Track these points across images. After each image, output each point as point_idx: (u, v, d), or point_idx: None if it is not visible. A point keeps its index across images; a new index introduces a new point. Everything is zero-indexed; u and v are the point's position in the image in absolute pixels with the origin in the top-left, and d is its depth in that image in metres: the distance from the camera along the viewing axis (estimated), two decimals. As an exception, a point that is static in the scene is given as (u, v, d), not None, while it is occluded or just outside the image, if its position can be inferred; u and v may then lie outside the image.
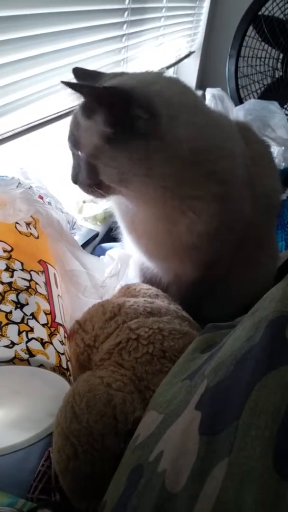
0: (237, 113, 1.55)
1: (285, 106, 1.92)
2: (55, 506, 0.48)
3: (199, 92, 2.36)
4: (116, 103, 0.55)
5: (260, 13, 1.83)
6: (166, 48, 1.85)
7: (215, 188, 0.62)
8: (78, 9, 0.96)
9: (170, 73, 2.29)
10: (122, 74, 0.66)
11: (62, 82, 0.56)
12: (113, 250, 0.82)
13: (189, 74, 2.50)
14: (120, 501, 0.30)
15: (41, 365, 0.49)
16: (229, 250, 0.72)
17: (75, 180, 0.65)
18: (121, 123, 0.56)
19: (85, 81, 0.65)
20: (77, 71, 0.67)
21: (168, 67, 1.94)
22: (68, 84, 0.56)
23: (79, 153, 0.62)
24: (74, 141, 0.62)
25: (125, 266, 0.77)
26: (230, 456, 0.22)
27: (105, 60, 1.20)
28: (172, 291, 0.77)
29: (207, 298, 0.77)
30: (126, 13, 1.25)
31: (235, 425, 0.24)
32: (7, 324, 0.50)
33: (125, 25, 1.27)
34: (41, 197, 0.67)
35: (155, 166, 0.59)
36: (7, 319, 0.50)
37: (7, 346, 0.48)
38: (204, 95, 1.79)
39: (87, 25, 1.02)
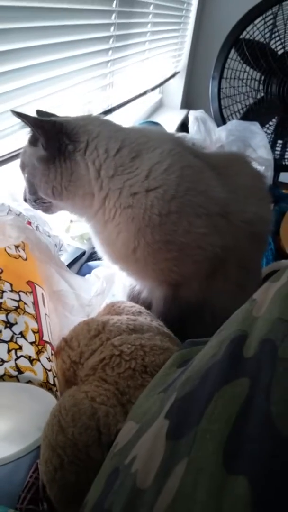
0: (220, 133, 1.61)
1: (266, 125, 1.99)
2: (43, 515, 0.51)
3: (183, 112, 2.44)
4: (50, 131, 0.72)
5: (241, 36, 1.90)
6: (151, 70, 1.91)
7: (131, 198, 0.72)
8: (65, 39, 1.00)
9: (156, 93, 2.36)
10: (67, 116, 0.82)
11: (12, 111, 0.73)
12: (99, 269, 0.86)
13: (174, 94, 2.57)
14: (99, 499, 0.34)
15: (29, 381, 0.52)
16: (193, 271, 0.76)
17: (24, 199, 0.82)
18: (53, 147, 0.73)
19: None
20: (39, 112, 0.84)
21: (154, 88, 2.00)
22: (17, 114, 0.72)
23: (23, 173, 0.79)
24: (22, 165, 0.80)
25: (110, 284, 0.80)
26: (189, 456, 0.26)
27: (92, 84, 1.25)
28: (154, 308, 0.81)
29: (195, 321, 0.81)
30: (111, 40, 1.31)
31: (195, 431, 0.27)
32: (-3, 343, 0.53)
33: (110, 51, 1.32)
34: (29, 223, 0.71)
35: (74, 180, 0.74)
36: (-3, 338, 0.53)
37: (-3, 364, 0.51)
38: (187, 118, 1.84)
39: (74, 54, 1.06)
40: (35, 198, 0.80)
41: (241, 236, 0.77)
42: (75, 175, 0.74)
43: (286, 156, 2.05)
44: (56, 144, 0.73)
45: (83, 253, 1.09)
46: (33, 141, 0.77)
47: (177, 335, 0.70)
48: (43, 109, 0.86)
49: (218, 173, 0.77)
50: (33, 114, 0.81)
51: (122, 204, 0.72)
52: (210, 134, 1.62)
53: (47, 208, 0.82)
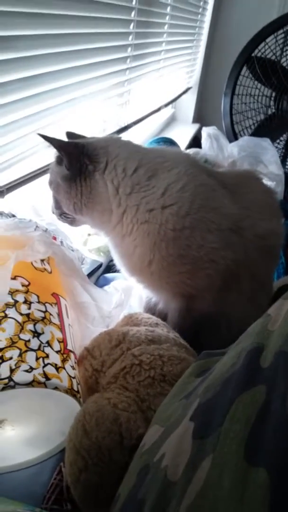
0: (232, 149, 1.65)
1: (277, 141, 2.03)
2: (68, 513, 0.54)
3: (195, 126, 2.49)
4: (73, 152, 0.78)
5: (253, 54, 1.95)
6: (165, 87, 1.96)
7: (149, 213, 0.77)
8: (85, 62, 1.05)
9: (168, 108, 2.41)
10: (92, 137, 0.88)
11: (39, 134, 0.78)
12: (117, 282, 0.90)
13: (186, 108, 2.62)
14: (132, 491, 0.38)
15: (55, 388, 0.56)
16: (206, 284, 0.80)
17: (52, 211, 0.89)
18: (75, 167, 0.79)
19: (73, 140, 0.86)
20: (68, 133, 0.91)
21: (167, 104, 2.05)
22: (43, 137, 0.78)
23: (50, 189, 0.86)
24: (50, 182, 0.86)
25: (128, 296, 0.84)
26: (214, 453, 0.30)
27: (109, 103, 1.30)
28: (169, 319, 0.85)
29: (211, 332, 0.84)
30: (128, 60, 1.36)
31: (219, 431, 0.31)
32: (26, 351, 0.57)
33: (127, 71, 1.37)
34: (55, 238, 0.75)
35: (93, 197, 0.80)
36: (26, 346, 0.57)
37: (26, 371, 0.54)
38: (200, 131, 1.89)
39: (93, 76, 1.11)
40: (60, 212, 0.87)
41: (253, 250, 0.81)
42: (94, 193, 0.80)
43: (296, 171, 2.09)
44: (78, 164, 0.79)
45: (100, 265, 1.13)
46: (59, 161, 0.83)
47: (194, 345, 0.73)
48: (65, 128, 0.92)
49: (230, 191, 0.81)
50: (58, 134, 0.86)
51: (139, 219, 0.77)
52: (222, 150, 1.66)
53: (71, 222, 0.88)
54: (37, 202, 0.95)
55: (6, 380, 0.52)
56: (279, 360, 0.32)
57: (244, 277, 0.82)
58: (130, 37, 1.33)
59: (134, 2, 1.30)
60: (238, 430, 0.30)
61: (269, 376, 0.32)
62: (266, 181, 1.49)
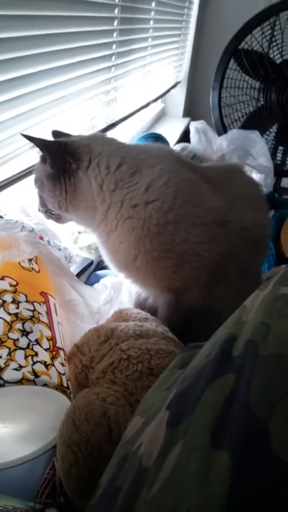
0: (221, 142, 1.66)
1: (267, 133, 2.04)
2: (61, 506, 0.56)
3: (186, 120, 2.49)
4: (56, 151, 0.80)
5: (240, 46, 1.95)
6: (153, 82, 1.96)
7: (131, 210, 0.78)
8: (69, 61, 1.06)
9: (158, 103, 2.41)
10: (76, 136, 0.89)
11: (22, 134, 0.81)
12: (107, 278, 0.91)
13: (176, 103, 2.63)
14: (111, 479, 0.39)
15: (45, 385, 0.57)
16: (192, 278, 0.81)
17: (38, 209, 0.91)
18: (58, 166, 0.80)
19: (58, 138, 0.87)
20: (54, 132, 0.92)
21: (156, 99, 2.06)
22: (26, 137, 0.80)
23: (37, 189, 0.88)
24: (35, 180, 0.88)
25: (118, 292, 0.85)
26: (184, 439, 0.31)
27: (96, 101, 1.31)
28: (159, 314, 0.86)
29: (201, 325, 0.85)
30: (113, 57, 1.37)
31: (190, 418, 0.32)
32: (15, 349, 0.58)
33: (113, 68, 1.38)
34: (41, 237, 0.76)
35: (77, 195, 0.81)
36: (15, 345, 0.58)
37: (15, 369, 0.56)
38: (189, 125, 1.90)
39: (78, 74, 1.12)
40: (45, 209, 0.88)
41: (239, 243, 0.82)
42: (78, 190, 0.81)
43: (287, 162, 2.09)
44: (61, 163, 0.80)
45: (91, 263, 1.14)
46: (43, 159, 0.84)
47: (184, 339, 0.75)
48: (53, 127, 0.92)
49: (214, 185, 0.82)
50: (46, 133, 0.87)
51: (123, 215, 0.78)
52: (211, 144, 1.67)
53: (57, 219, 0.90)
54: (26, 201, 0.96)
55: (-4, 379, 0.54)
56: (247, 349, 0.34)
57: (232, 269, 0.83)
58: (115, 34, 1.34)
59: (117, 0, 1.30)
60: (206, 416, 0.31)
61: (238, 364, 0.33)
62: (255, 174, 1.51)
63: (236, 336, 0.37)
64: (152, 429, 0.38)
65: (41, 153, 0.84)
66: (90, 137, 0.86)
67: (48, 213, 0.88)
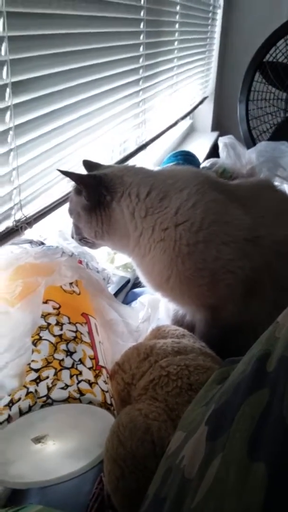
0: (250, 155, 1.67)
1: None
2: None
3: (215, 134, 2.51)
4: (91, 185, 0.84)
5: (265, 59, 1.97)
6: (181, 100, 2.00)
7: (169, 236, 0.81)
8: (99, 76, 1.11)
9: (186, 119, 2.45)
10: (107, 166, 0.94)
11: (58, 170, 0.86)
12: (144, 296, 0.94)
13: (204, 118, 2.66)
14: (157, 491, 0.42)
15: (90, 402, 0.60)
16: (227, 294, 0.82)
17: (72, 236, 0.95)
18: (94, 199, 0.84)
19: (90, 169, 0.93)
20: (85, 162, 0.97)
21: (184, 116, 2.09)
22: (62, 172, 0.85)
23: (71, 217, 0.92)
24: (70, 211, 0.92)
25: (155, 310, 0.88)
26: (223, 451, 0.33)
27: (126, 125, 1.36)
28: (197, 330, 0.88)
29: (239, 341, 0.86)
30: (140, 82, 1.41)
31: (228, 432, 0.34)
32: (61, 369, 0.61)
33: (141, 92, 1.43)
34: (80, 261, 0.80)
35: (113, 225, 0.85)
36: (61, 365, 0.62)
37: (62, 388, 0.59)
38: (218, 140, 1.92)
39: (109, 102, 1.17)
40: (80, 237, 0.92)
41: (273, 257, 0.83)
42: (112, 220, 0.85)
43: None
44: (97, 196, 0.84)
45: (128, 281, 1.17)
46: (78, 191, 0.88)
47: (222, 354, 0.76)
48: (86, 155, 0.97)
49: (243, 202, 0.84)
50: (79, 162, 0.91)
51: (155, 239, 0.82)
52: (240, 158, 1.69)
53: (91, 246, 0.94)
54: (64, 226, 1.01)
55: (44, 398, 0.57)
56: (281, 364, 0.35)
57: (267, 284, 0.84)
58: (141, 60, 1.39)
59: (142, 26, 1.35)
60: (243, 429, 0.33)
61: (272, 379, 0.35)
62: (287, 185, 1.50)
63: (270, 352, 0.38)
64: (193, 443, 0.40)
65: (75, 185, 0.88)
66: (121, 169, 0.90)
67: (83, 240, 0.92)
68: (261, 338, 0.43)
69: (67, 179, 0.94)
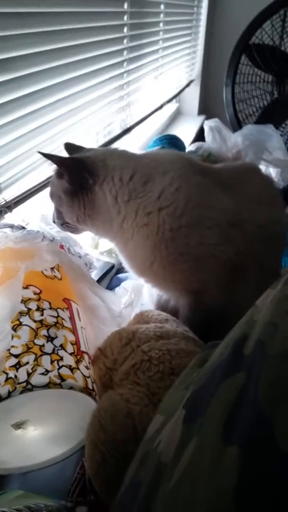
0: (236, 138, 1.66)
1: (282, 126, 2.03)
2: (91, 504, 0.58)
3: (200, 118, 2.49)
4: (73, 168, 0.81)
5: (251, 41, 1.95)
6: (166, 83, 1.98)
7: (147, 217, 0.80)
8: (81, 57, 1.08)
9: (172, 102, 2.42)
10: (90, 149, 0.91)
11: (39, 152, 0.82)
12: (127, 282, 0.93)
13: (190, 101, 2.63)
14: (134, 475, 0.42)
15: (71, 388, 0.59)
16: (210, 279, 0.82)
17: (53, 220, 0.93)
18: (76, 182, 0.81)
19: (72, 152, 0.90)
20: (66, 145, 0.93)
21: (170, 100, 2.07)
22: (43, 154, 0.81)
23: (53, 203, 0.89)
24: (51, 195, 0.89)
25: (138, 295, 0.87)
26: (198, 435, 0.33)
27: (110, 108, 1.33)
28: (180, 315, 0.88)
29: (222, 325, 0.86)
30: (125, 63, 1.39)
31: (203, 416, 0.34)
32: (41, 355, 0.60)
33: (125, 74, 1.40)
34: (62, 246, 0.79)
35: (96, 209, 0.83)
36: (41, 351, 0.61)
37: (42, 374, 0.58)
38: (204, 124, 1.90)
39: (91, 84, 1.15)
40: (61, 222, 0.90)
41: (256, 241, 0.83)
42: (95, 204, 0.83)
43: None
44: (79, 179, 0.82)
45: (112, 267, 1.16)
46: (59, 175, 0.86)
47: (206, 338, 0.76)
48: (69, 138, 0.95)
49: (226, 186, 0.83)
50: (62, 145, 0.89)
51: (138, 223, 0.80)
52: (225, 142, 1.67)
53: (73, 230, 0.92)
54: (46, 210, 0.99)
55: (24, 384, 0.57)
56: (257, 348, 0.35)
57: (251, 267, 0.84)
58: (125, 41, 1.36)
59: (126, 6, 1.32)
60: (218, 413, 0.33)
61: (248, 362, 0.35)
62: (272, 168, 1.50)
63: (248, 335, 0.38)
64: (170, 427, 0.40)
65: (56, 168, 0.86)
66: (103, 151, 0.87)
67: (65, 225, 0.90)
68: (240, 321, 0.43)
69: (49, 162, 0.91)
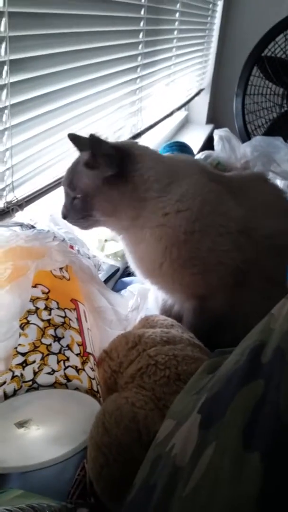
0: (245, 149, 1.67)
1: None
2: (91, 506, 0.58)
3: (209, 127, 2.50)
4: (116, 156, 0.79)
5: (263, 54, 1.96)
6: (177, 91, 1.99)
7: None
8: (96, 60, 1.09)
9: (181, 110, 2.44)
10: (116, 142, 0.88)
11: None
12: (133, 286, 0.93)
13: (199, 110, 2.64)
14: (145, 479, 0.42)
15: (76, 389, 0.59)
16: (217, 284, 0.83)
17: (65, 216, 0.86)
18: (118, 170, 0.79)
19: (76, 143, 0.88)
20: (70, 136, 0.88)
21: (180, 107, 2.08)
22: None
23: (73, 194, 0.83)
24: (71, 185, 0.83)
25: (144, 299, 0.87)
26: (216, 440, 0.33)
27: (122, 112, 1.34)
28: (184, 320, 0.88)
29: (226, 331, 0.86)
30: (138, 69, 1.40)
31: (221, 421, 0.34)
32: (48, 354, 0.60)
33: (138, 80, 1.41)
34: (72, 247, 0.79)
35: (133, 199, 0.82)
36: (48, 350, 0.61)
37: (49, 373, 0.58)
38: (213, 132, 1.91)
39: (105, 88, 1.15)
40: (84, 215, 0.84)
41: (262, 250, 0.83)
42: (134, 196, 0.82)
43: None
44: (121, 169, 0.81)
45: (117, 270, 1.16)
46: (92, 165, 0.82)
47: (210, 344, 0.76)
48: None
49: (236, 194, 0.84)
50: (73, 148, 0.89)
51: (155, 223, 0.81)
52: (234, 152, 1.68)
53: (89, 225, 0.87)
54: (55, 210, 0.99)
55: (30, 382, 0.56)
56: (276, 356, 0.35)
57: (255, 275, 0.84)
58: (140, 46, 1.37)
59: (142, 12, 1.33)
60: (237, 419, 0.33)
61: (267, 370, 0.35)
62: (280, 180, 1.51)
63: (265, 343, 0.38)
64: (184, 431, 0.40)
65: (88, 159, 0.82)
66: (132, 144, 0.88)
67: (87, 218, 0.85)
68: (255, 329, 0.43)
69: (61, 162, 0.92)
